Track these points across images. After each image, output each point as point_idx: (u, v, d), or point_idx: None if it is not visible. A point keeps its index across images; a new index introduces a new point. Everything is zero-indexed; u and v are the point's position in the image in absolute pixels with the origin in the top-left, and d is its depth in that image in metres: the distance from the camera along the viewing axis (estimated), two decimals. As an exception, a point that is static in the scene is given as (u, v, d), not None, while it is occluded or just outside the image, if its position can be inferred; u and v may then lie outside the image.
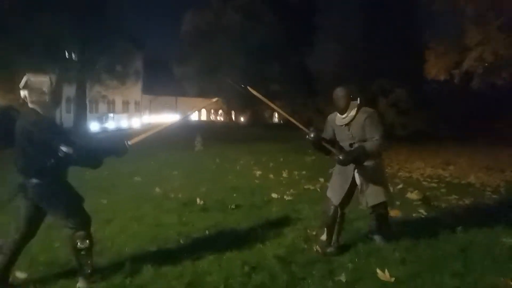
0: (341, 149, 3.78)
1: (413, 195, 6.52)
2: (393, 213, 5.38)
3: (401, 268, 3.50)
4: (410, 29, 19.47)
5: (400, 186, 7.42)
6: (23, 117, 2.93)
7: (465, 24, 13.57)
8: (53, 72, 21.92)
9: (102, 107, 30.74)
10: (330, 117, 3.96)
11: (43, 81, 2.95)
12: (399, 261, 3.64)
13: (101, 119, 28.18)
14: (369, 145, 3.62)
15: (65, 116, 24.81)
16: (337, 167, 3.91)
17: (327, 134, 3.91)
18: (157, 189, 6.78)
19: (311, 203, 5.83)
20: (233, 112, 37.02)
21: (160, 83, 37.55)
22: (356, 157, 3.61)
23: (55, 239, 4.12)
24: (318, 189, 6.96)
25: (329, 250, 3.81)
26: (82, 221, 3.11)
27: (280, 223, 4.82)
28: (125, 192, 6.57)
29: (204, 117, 48.48)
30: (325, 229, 3.89)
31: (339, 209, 3.85)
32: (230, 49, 27.56)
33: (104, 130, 25.77)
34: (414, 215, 5.44)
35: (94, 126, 25.23)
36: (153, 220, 4.92)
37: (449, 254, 3.79)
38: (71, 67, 21.94)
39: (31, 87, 2.92)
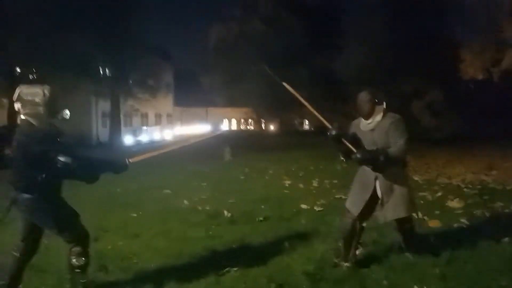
0: (361, 148, 3.53)
1: (453, 203, 6.12)
2: (432, 223, 5.08)
3: (440, 285, 3.23)
4: (441, 27, 18.74)
5: (440, 193, 7.01)
6: (18, 130, 2.87)
7: (503, 19, 12.81)
8: (88, 88, 22.96)
9: (136, 120, 31.60)
10: (354, 122, 3.78)
11: (35, 92, 2.88)
12: (438, 277, 3.36)
13: (135, 132, 28.96)
14: (392, 149, 3.38)
15: (101, 130, 25.72)
16: (357, 176, 3.71)
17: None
18: (185, 202, 6.77)
19: (342, 214, 5.58)
20: (262, 121, 37.03)
21: (190, 95, 38.27)
22: (375, 157, 3.34)
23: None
24: (350, 199, 6.69)
25: (345, 265, 3.60)
26: (78, 237, 3.01)
27: (309, 236, 4.62)
28: (154, 206, 6.59)
29: (234, 126, 48.92)
30: (342, 243, 3.67)
31: (358, 222, 3.60)
32: (255, 58, 27.68)
33: (139, 143, 26.47)
34: (455, 225, 5.08)
35: (128, 140, 25.95)
36: (180, 235, 4.86)
37: (494, 268, 3.47)
38: (105, 83, 22.78)
39: (23, 99, 2.86)
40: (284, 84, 3.87)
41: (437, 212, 5.69)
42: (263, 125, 37.23)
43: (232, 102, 34.57)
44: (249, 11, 30.02)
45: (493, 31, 13.68)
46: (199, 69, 33.49)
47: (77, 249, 2.97)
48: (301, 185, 8.26)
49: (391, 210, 3.48)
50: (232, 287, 3.30)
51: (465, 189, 7.52)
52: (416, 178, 8.82)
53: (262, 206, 6.33)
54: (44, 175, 2.79)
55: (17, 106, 2.89)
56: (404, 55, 18.76)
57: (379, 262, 3.70)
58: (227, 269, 3.64)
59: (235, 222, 5.44)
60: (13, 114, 19.33)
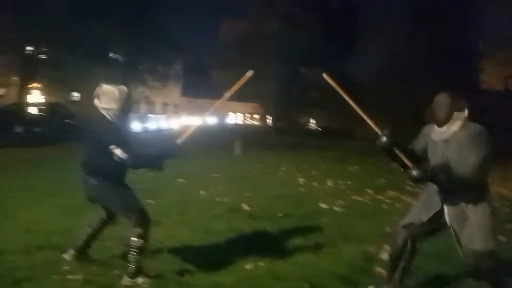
0: (420, 163, 2.89)
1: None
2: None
3: None
4: (461, 35, 18.52)
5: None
6: (95, 118, 3.22)
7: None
8: (100, 72, 22.95)
9: (143, 107, 31.54)
10: (425, 128, 3.09)
11: (113, 89, 3.20)
12: None
13: (142, 119, 28.86)
14: (461, 169, 2.69)
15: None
16: (425, 191, 3.10)
17: (416, 146, 3.09)
18: (202, 192, 6.70)
19: (364, 217, 5.52)
20: (268, 117, 36.87)
21: (199, 86, 38.19)
22: (434, 178, 2.76)
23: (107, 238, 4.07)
24: (368, 202, 6.62)
25: (385, 287, 3.12)
26: (140, 219, 3.18)
27: (334, 237, 4.54)
28: (170, 194, 6.53)
29: (239, 120, 48.82)
30: (389, 262, 3.15)
31: (409, 240, 2.99)
32: (269, 55, 27.52)
33: (146, 130, 26.44)
34: None
35: (136, 126, 25.91)
36: (201, 226, 4.79)
37: None
38: (116, 68, 22.74)
39: (103, 94, 3.19)
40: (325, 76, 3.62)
41: None
42: (268, 121, 37.04)
43: (241, 97, 34.45)
44: (265, 7, 29.79)
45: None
46: (211, 63, 33.34)
47: (137, 230, 3.15)
48: (315, 184, 8.18)
49: (464, 241, 2.77)
50: (265, 283, 3.23)
51: None
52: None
53: (279, 202, 6.26)
54: (111, 163, 3.08)
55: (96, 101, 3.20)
56: (420, 62, 18.59)
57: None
58: (255, 263, 3.58)
59: (255, 216, 5.36)
60: (23, 92, 19.36)
